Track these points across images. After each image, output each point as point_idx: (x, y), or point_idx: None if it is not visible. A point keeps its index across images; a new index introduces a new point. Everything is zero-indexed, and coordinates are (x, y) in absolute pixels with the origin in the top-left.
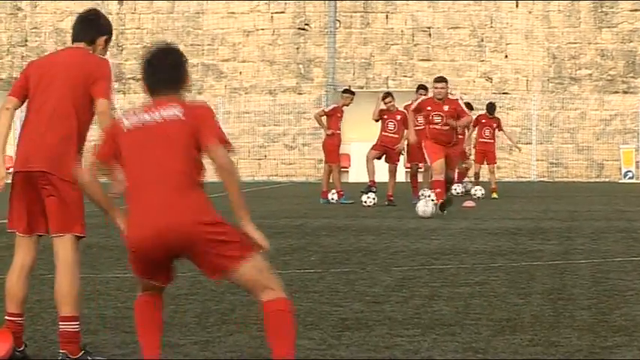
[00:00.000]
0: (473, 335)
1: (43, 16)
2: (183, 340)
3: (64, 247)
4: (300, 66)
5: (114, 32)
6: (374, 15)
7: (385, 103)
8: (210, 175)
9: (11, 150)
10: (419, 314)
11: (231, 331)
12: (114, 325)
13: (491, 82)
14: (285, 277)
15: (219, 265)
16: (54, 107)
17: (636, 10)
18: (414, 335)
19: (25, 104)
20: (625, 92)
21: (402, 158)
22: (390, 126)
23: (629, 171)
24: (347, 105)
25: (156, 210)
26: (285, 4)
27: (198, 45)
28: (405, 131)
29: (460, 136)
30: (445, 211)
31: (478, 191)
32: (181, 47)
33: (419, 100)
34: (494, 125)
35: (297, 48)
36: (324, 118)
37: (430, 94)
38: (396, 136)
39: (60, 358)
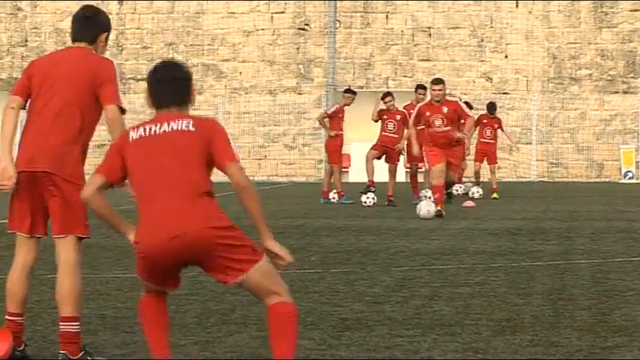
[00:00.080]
0: (473, 335)
1: (43, 16)
2: (184, 340)
3: (66, 248)
4: (300, 66)
5: (114, 32)
6: (374, 15)
7: (385, 103)
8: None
9: (12, 150)
10: (419, 314)
11: (231, 331)
12: (114, 325)
13: (491, 82)
14: (285, 278)
15: (229, 269)
16: (58, 108)
17: (636, 10)
18: (414, 335)
19: (27, 104)
20: (625, 92)
21: (402, 158)
22: (390, 126)
23: (629, 171)
24: (348, 105)
25: (167, 217)
26: (285, 4)
27: (198, 45)
28: (405, 131)
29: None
30: (443, 215)
31: (476, 193)
32: (181, 47)
33: (417, 108)
34: (496, 125)
35: (297, 48)
36: (326, 120)
37: (428, 96)
38: (396, 136)
39: (60, 358)
